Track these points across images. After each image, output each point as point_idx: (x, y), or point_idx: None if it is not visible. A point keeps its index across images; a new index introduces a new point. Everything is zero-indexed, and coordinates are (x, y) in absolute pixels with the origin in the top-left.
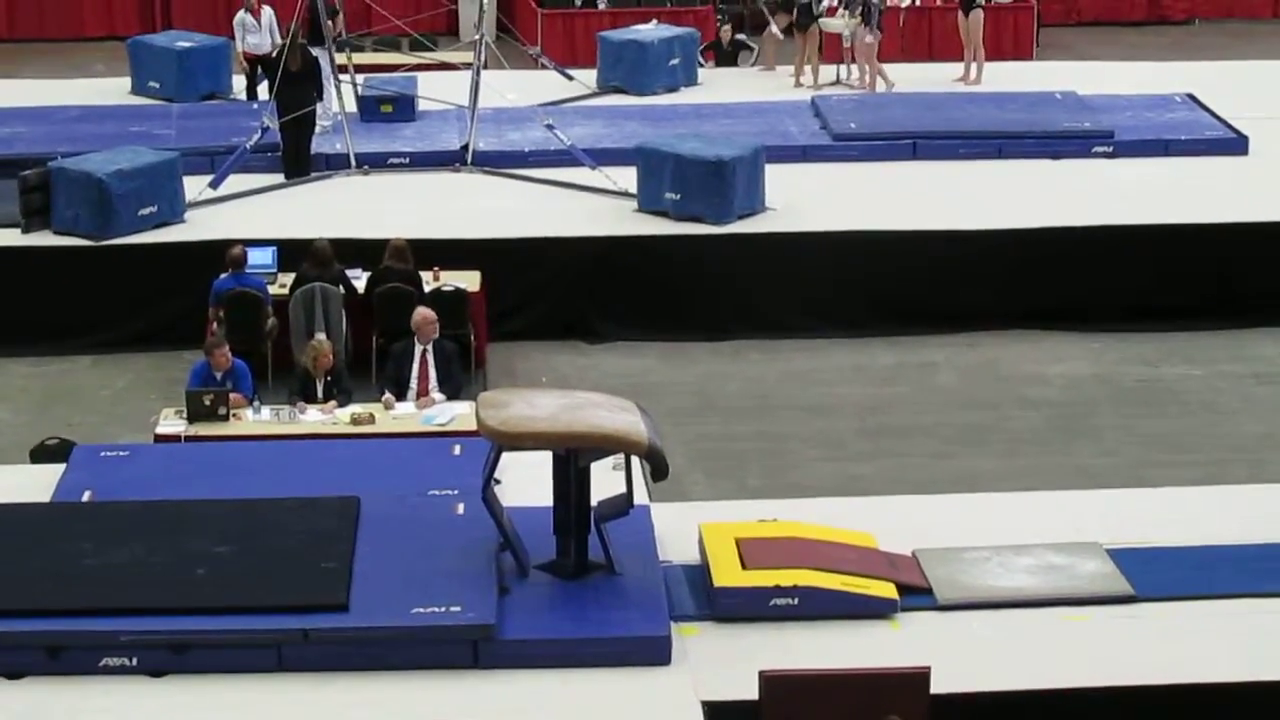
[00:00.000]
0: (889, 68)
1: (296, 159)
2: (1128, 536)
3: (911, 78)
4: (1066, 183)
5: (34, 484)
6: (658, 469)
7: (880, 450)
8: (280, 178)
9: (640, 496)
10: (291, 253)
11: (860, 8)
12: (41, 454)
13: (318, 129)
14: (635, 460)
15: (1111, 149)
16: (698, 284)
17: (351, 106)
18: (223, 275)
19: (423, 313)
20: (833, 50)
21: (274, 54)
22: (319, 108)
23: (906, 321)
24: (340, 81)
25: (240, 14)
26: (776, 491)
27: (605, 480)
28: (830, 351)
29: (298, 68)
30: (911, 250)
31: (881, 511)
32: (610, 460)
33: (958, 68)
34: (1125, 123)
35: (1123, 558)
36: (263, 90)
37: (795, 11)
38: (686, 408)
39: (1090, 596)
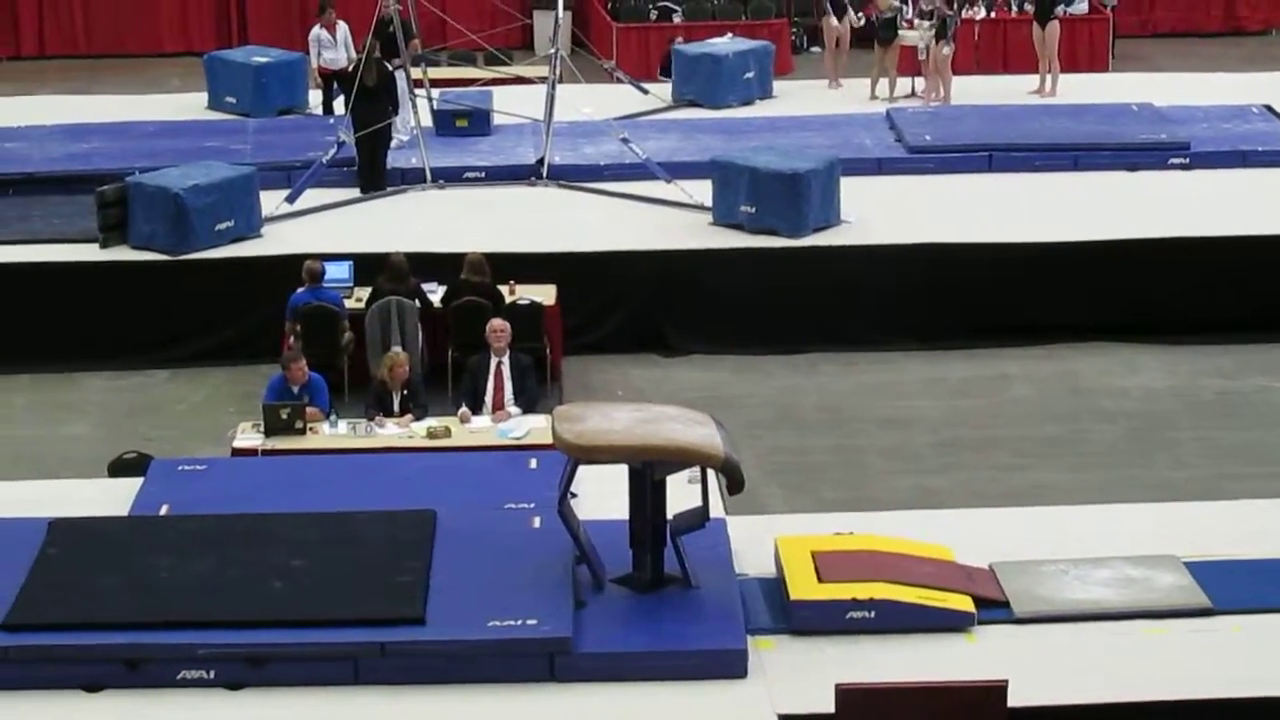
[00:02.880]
0: (964, 80)
1: (372, 173)
2: (1205, 549)
3: (987, 90)
4: (1142, 194)
5: (112, 497)
6: (733, 482)
7: (956, 463)
8: (356, 192)
9: (716, 509)
10: (368, 267)
11: (936, 20)
12: (119, 468)
13: (393, 143)
14: (711, 473)
15: (1188, 161)
16: (773, 297)
17: (427, 121)
18: (299, 289)
19: (494, 323)
20: (907, 63)
21: (350, 69)
22: (395, 121)
23: (982, 334)
24: (416, 96)
25: (316, 29)
26: (852, 504)
27: (681, 493)
28: (905, 364)
29: (374, 82)
30: (987, 262)
31: (958, 525)
32: (686, 473)
33: (1033, 80)
34: (1201, 134)
35: (1200, 570)
36: (339, 105)
37: (878, 24)
38: (762, 421)
39: (1168, 609)
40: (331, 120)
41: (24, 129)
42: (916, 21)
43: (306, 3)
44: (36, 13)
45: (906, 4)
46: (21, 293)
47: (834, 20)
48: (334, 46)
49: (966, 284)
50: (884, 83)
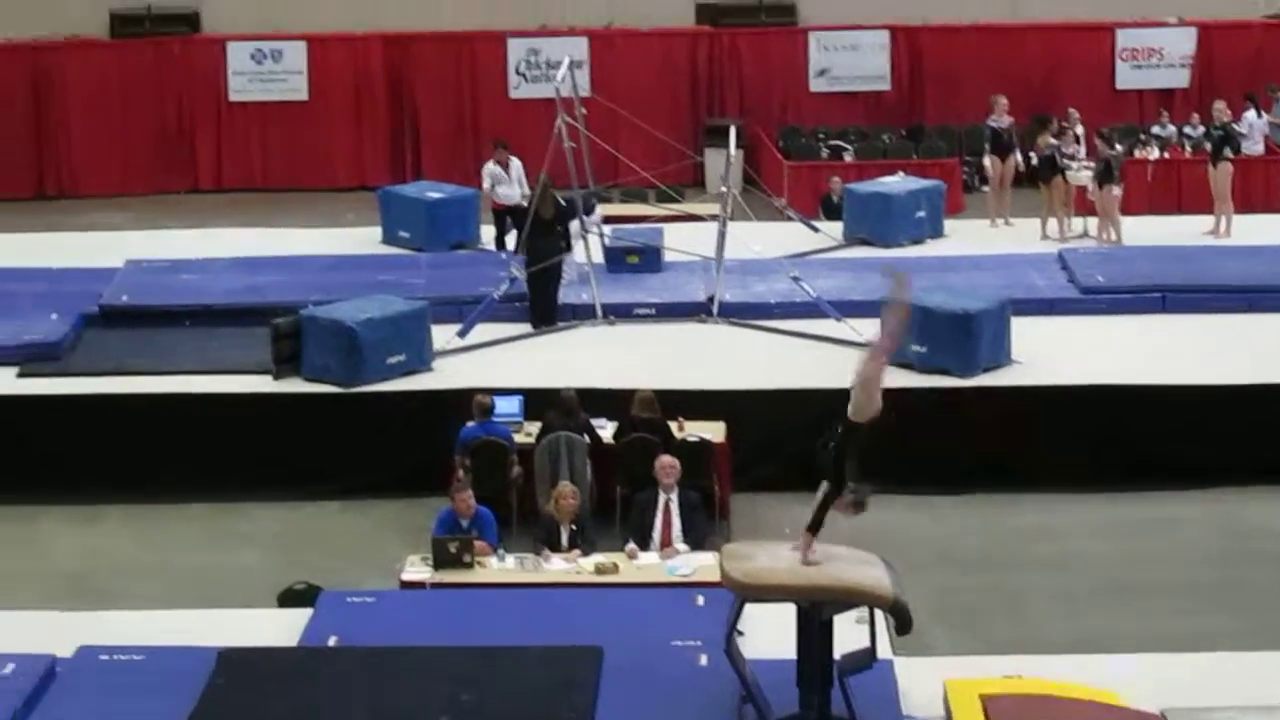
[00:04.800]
0: (1137, 220)
1: (544, 308)
2: None
3: (1160, 230)
4: None
5: (281, 628)
6: (902, 623)
7: (1124, 606)
8: (527, 327)
9: (883, 650)
10: (537, 401)
11: (1102, 163)
12: (289, 598)
13: (564, 279)
14: (879, 613)
15: None
16: (942, 436)
17: (598, 257)
18: (469, 423)
19: (664, 460)
20: (1081, 202)
21: (523, 203)
22: (566, 256)
23: (1151, 476)
24: (587, 232)
25: (490, 164)
26: (1019, 647)
27: (848, 633)
28: (1074, 505)
29: (549, 216)
30: (1158, 404)
31: (1126, 669)
32: (854, 613)
33: (1207, 220)
34: None
35: None
36: (511, 240)
37: (1037, 163)
38: (928, 560)
39: None
40: (504, 255)
41: (201, 261)
42: (1072, 162)
43: (480, 139)
44: (214, 147)
45: (1070, 143)
46: (196, 423)
47: (998, 159)
48: (508, 182)
49: (1135, 425)
50: (1054, 222)
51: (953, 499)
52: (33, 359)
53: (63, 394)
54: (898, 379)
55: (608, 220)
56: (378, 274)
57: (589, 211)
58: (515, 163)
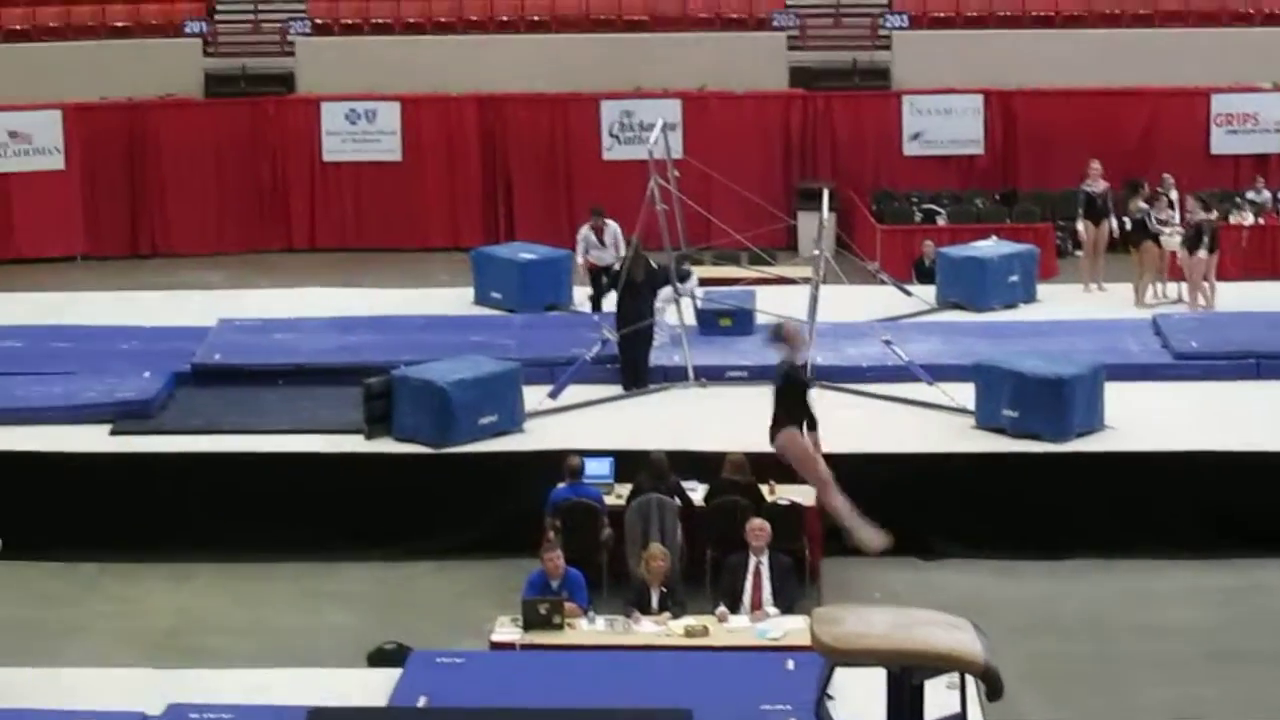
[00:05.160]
0: (1230, 286)
1: (635, 371)
2: None
3: (1255, 296)
4: None
5: (371, 688)
6: (993, 689)
7: (1222, 674)
8: (619, 389)
9: (974, 716)
10: (628, 464)
11: (1192, 229)
12: (379, 658)
13: (656, 342)
14: (969, 679)
15: None
16: (1034, 502)
17: (690, 319)
18: (560, 485)
19: (754, 523)
20: (1177, 268)
21: (617, 265)
22: (657, 319)
23: (1247, 543)
24: (680, 296)
25: (585, 229)
26: (1114, 714)
27: (939, 699)
28: (1168, 572)
29: (641, 278)
30: (1252, 471)
31: None
32: (945, 679)
33: None
34: None
35: None
36: (606, 301)
37: (1130, 228)
38: (1020, 626)
39: None
40: (596, 317)
41: (294, 320)
42: (1165, 227)
43: (573, 200)
44: (308, 206)
45: (1164, 208)
46: (288, 482)
47: (1091, 224)
48: (601, 247)
49: (1228, 492)
50: (1150, 287)
51: (1045, 564)
52: (125, 417)
53: (154, 452)
54: (991, 444)
55: (700, 283)
56: (470, 335)
57: (684, 279)
58: (612, 226)
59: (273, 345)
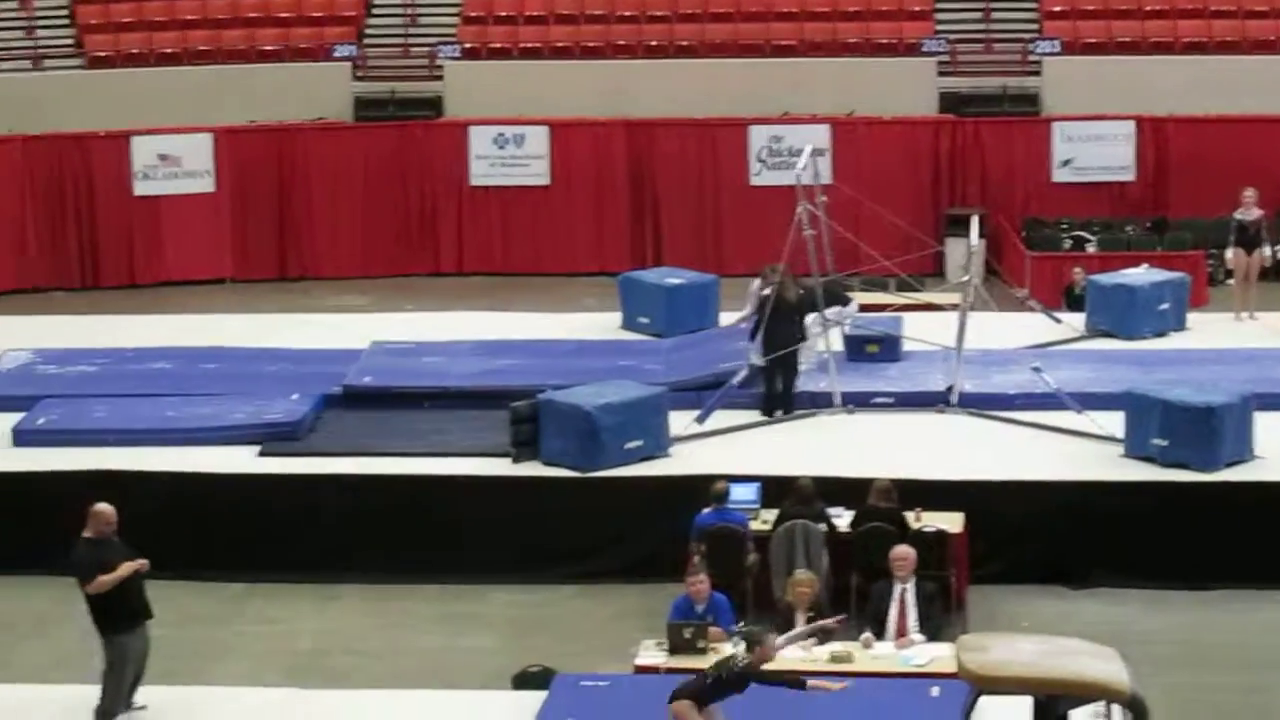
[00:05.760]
0: None
1: (781, 396)
2: None
3: None
4: None
5: (516, 711)
6: (1139, 717)
7: None
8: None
9: None
10: (774, 489)
11: None
12: (523, 681)
13: (802, 367)
14: (1115, 708)
15: None
16: (1183, 531)
17: (838, 345)
18: (705, 510)
19: (898, 551)
20: None
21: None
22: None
23: None
24: (829, 323)
25: (756, 284)
26: None
27: None
28: None
29: (794, 300)
30: None
31: None
32: (1090, 708)
33: None
34: None
35: None
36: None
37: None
38: (1169, 657)
39: None
40: (743, 344)
41: (441, 344)
42: None
43: (721, 225)
44: (456, 231)
45: None
46: (434, 504)
47: (1242, 252)
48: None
49: None
50: None
51: (1193, 594)
52: (273, 438)
53: (302, 473)
54: (1139, 473)
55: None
56: (617, 359)
57: (844, 304)
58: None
59: (420, 368)
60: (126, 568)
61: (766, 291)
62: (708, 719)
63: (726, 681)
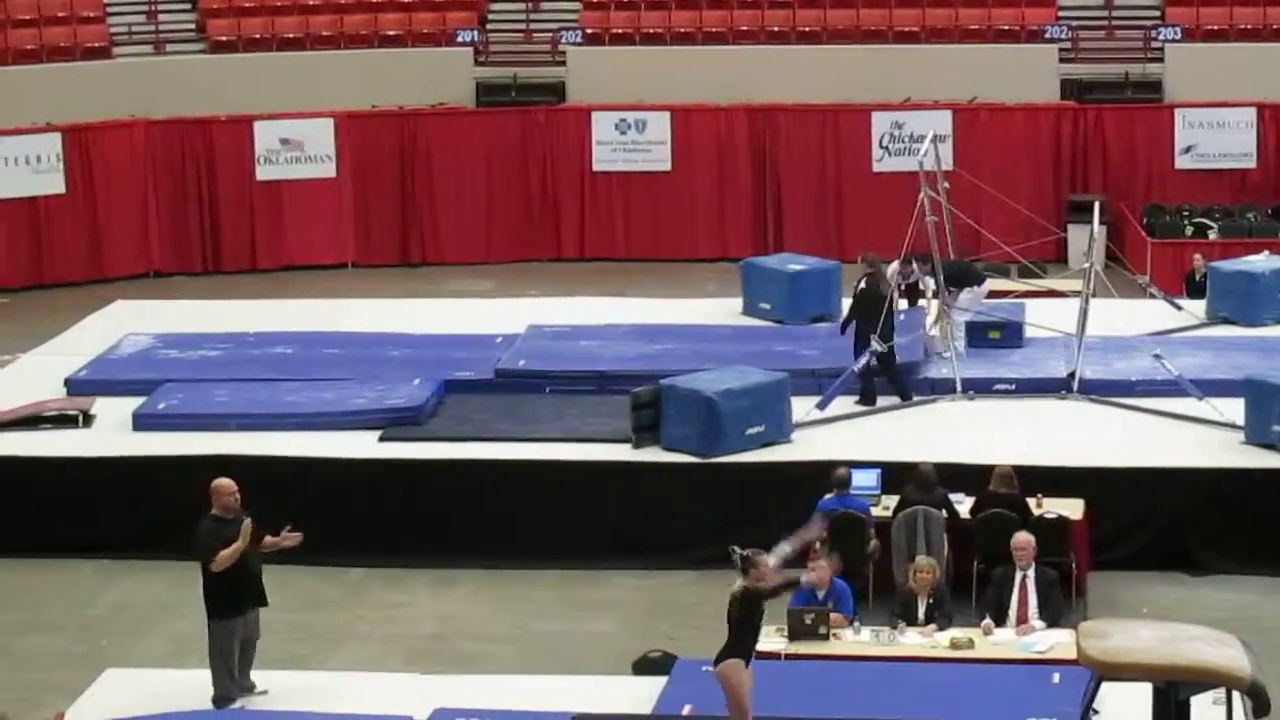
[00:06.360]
0: None
1: (894, 385)
2: None
3: None
4: None
5: (636, 696)
6: (1259, 705)
7: None
8: (886, 400)
9: None
10: (895, 475)
11: None
12: (644, 666)
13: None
14: (1236, 695)
15: None
16: None
17: (960, 332)
18: (827, 496)
19: (1018, 538)
20: None
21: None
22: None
23: None
24: (952, 308)
25: (894, 265)
26: None
27: (1206, 715)
28: None
29: (883, 295)
30: None
31: None
32: (1211, 694)
33: None
34: None
35: None
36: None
37: None
38: None
39: None
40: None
41: (598, 328)
42: None
43: (843, 211)
44: (578, 216)
45: None
46: (555, 489)
47: None
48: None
49: None
50: None
51: None
52: (395, 423)
53: (423, 459)
54: (1261, 459)
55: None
56: (772, 344)
57: (979, 282)
58: (917, 270)
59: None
60: (244, 535)
61: (863, 285)
62: (750, 677)
63: (742, 618)
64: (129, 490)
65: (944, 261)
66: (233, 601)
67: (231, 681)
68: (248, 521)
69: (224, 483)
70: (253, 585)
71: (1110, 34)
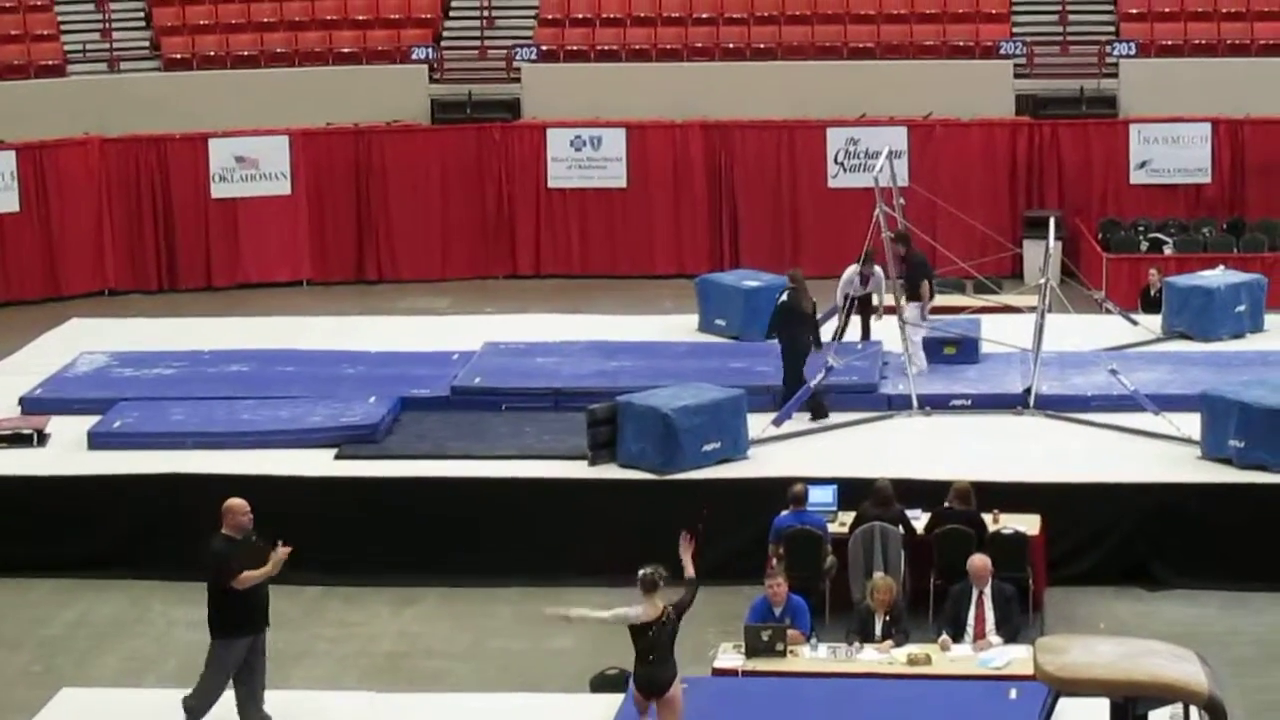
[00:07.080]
0: None
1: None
2: None
3: None
4: None
5: (593, 713)
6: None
7: None
8: (844, 416)
9: None
10: (852, 492)
11: None
12: (601, 683)
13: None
14: (1194, 710)
15: None
16: (1261, 532)
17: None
18: (784, 512)
19: (975, 561)
20: None
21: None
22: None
23: None
24: (907, 323)
25: (851, 269)
26: None
27: None
28: None
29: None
30: None
31: None
32: (1169, 709)
33: None
34: None
35: None
36: (852, 330)
37: None
38: (1248, 659)
39: None
40: (834, 344)
41: (555, 345)
42: None
43: (799, 227)
44: (534, 233)
45: None
46: (511, 507)
47: None
48: (862, 290)
49: None
50: None
51: (1271, 596)
52: (351, 441)
53: (379, 476)
54: (1217, 474)
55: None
56: (729, 360)
57: (931, 278)
58: (878, 273)
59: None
60: (276, 559)
61: (784, 299)
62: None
63: (674, 634)
64: (85, 509)
65: (912, 254)
66: (243, 622)
67: (211, 699)
68: (283, 550)
69: (237, 502)
70: (263, 606)
71: (1065, 49)
